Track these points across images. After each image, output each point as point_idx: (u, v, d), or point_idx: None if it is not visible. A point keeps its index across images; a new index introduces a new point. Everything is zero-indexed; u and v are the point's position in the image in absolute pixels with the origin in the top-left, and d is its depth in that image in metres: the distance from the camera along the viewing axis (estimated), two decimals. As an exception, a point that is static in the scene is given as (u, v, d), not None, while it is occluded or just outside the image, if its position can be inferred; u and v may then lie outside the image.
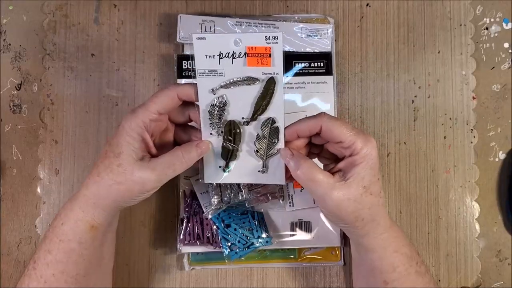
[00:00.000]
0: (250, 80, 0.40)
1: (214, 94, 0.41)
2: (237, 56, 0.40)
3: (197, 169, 0.51)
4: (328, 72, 0.53)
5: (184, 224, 0.51)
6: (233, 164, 0.44)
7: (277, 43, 0.39)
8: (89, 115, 0.53)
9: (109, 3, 0.54)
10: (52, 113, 0.53)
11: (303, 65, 0.52)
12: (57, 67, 0.54)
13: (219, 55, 0.40)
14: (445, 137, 0.53)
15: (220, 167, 0.44)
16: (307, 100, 0.52)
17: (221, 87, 0.41)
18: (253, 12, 0.54)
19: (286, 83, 0.52)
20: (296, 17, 0.54)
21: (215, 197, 0.49)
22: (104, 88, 0.54)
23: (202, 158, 0.43)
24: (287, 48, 0.53)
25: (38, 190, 0.53)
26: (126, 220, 0.53)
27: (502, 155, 0.54)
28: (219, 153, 0.43)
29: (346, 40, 0.54)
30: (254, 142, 0.43)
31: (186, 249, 0.51)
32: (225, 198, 0.49)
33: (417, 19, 0.54)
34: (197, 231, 0.50)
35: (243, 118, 0.42)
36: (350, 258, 0.52)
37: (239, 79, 0.41)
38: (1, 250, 0.53)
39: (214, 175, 0.44)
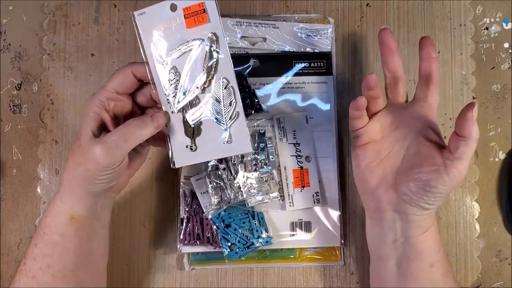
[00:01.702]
0: (193, 42, 0.40)
1: (164, 68, 0.41)
2: (177, 22, 0.40)
3: (197, 169, 0.51)
4: (328, 72, 0.53)
5: (184, 224, 0.51)
6: (199, 141, 0.42)
7: None
8: (89, 115, 0.53)
9: (109, 3, 0.54)
10: (52, 113, 0.53)
11: (303, 65, 0.52)
12: (57, 67, 0.54)
13: (161, 25, 0.40)
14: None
15: (187, 146, 0.42)
16: (307, 100, 0.52)
17: (169, 57, 0.41)
18: (253, 12, 0.54)
19: (286, 83, 0.52)
20: (296, 17, 0.54)
21: (215, 197, 0.49)
22: (104, 88, 0.54)
23: (170, 142, 0.43)
24: (287, 48, 0.53)
25: (38, 190, 0.53)
26: (126, 220, 0.53)
27: (502, 155, 0.54)
28: (182, 131, 0.42)
29: (346, 40, 0.54)
30: (212, 108, 0.41)
31: (186, 249, 0.51)
32: (225, 198, 0.49)
33: (417, 19, 0.54)
34: (197, 231, 0.50)
35: (197, 87, 0.41)
36: (350, 258, 0.52)
37: (182, 44, 0.40)
38: (1, 250, 0.53)
39: (184, 157, 0.43)
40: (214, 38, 0.40)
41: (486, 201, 0.53)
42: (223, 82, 0.41)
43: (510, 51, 0.55)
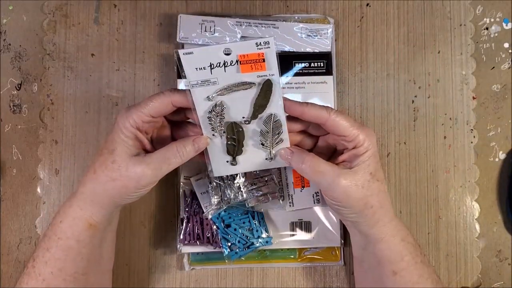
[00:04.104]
0: (246, 85, 0.40)
1: (211, 101, 0.41)
2: (229, 64, 0.39)
3: (197, 169, 0.51)
4: (328, 72, 0.53)
5: (184, 224, 0.51)
6: (240, 158, 0.44)
7: (269, 47, 0.38)
8: (89, 115, 0.53)
9: (109, 3, 0.54)
10: (52, 113, 0.53)
11: (303, 65, 0.52)
12: (57, 67, 0.54)
13: (210, 66, 0.39)
14: (445, 137, 0.53)
15: (227, 161, 0.44)
16: (307, 100, 0.52)
17: (217, 94, 0.40)
18: (253, 12, 0.54)
19: (286, 83, 0.52)
20: (296, 17, 0.54)
21: (215, 197, 0.49)
22: (104, 88, 0.54)
23: (208, 154, 0.43)
24: (287, 48, 0.53)
25: (38, 190, 0.53)
26: (126, 220, 0.53)
27: (502, 155, 0.54)
28: (224, 151, 0.43)
29: (346, 40, 0.54)
30: (259, 137, 0.43)
31: (186, 249, 0.51)
32: (225, 198, 0.49)
33: (417, 19, 0.54)
34: (197, 231, 0.50)
35: (243, 117, 0.42)
36: (350, 258, 0.52)
37: (234, 85, 0.40)
38: (1, 250, 0.53)
39: (222, 168, 0.44)
40: (270, 83, 0.40)
41: (486, 201, 0.53)
42: (272, 117, 0.41)
43: (510, 51, 0.55)
